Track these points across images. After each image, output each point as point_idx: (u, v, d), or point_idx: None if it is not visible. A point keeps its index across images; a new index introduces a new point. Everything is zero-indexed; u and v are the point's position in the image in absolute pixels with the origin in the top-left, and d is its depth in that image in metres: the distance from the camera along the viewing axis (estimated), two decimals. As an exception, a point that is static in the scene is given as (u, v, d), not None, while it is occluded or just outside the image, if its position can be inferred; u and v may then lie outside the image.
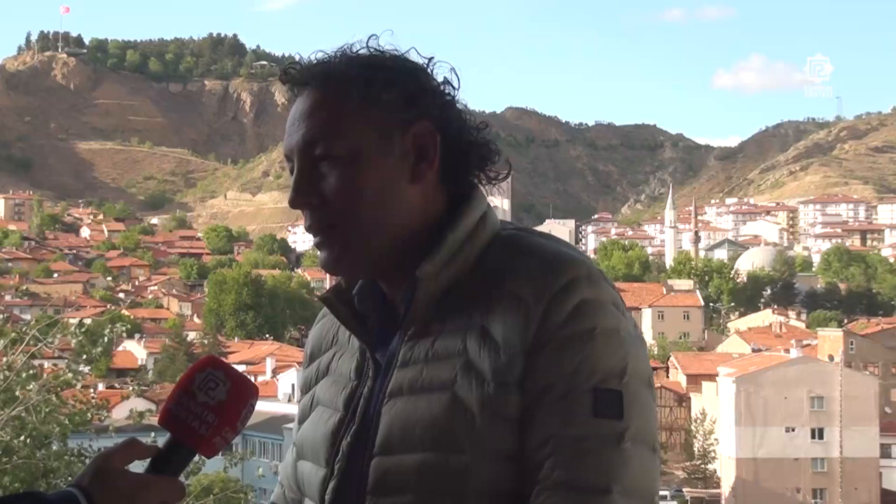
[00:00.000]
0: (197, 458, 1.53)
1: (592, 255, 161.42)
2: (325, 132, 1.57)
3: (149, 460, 1.46)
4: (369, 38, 1.62)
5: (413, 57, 1.62)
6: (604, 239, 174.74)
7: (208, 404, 1.44)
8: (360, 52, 1.61)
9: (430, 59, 1.62)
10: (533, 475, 1.47)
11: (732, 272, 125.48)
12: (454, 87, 1.63)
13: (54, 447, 8.16)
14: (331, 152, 1.57)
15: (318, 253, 1.62)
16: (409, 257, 1.58)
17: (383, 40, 1.62)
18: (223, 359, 1.54)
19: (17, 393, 8.18)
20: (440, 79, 1.62)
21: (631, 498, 1.46)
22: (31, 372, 8.47)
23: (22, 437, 7.83)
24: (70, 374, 8.80)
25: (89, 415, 9.05)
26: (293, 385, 56.85)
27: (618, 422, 1.47)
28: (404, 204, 1.58)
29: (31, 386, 8.36)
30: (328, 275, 1.66)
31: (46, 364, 10.22)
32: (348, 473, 1.58)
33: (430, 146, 1.58)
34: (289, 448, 1.81)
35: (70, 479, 8.04)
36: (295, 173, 1.59)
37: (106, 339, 9.97)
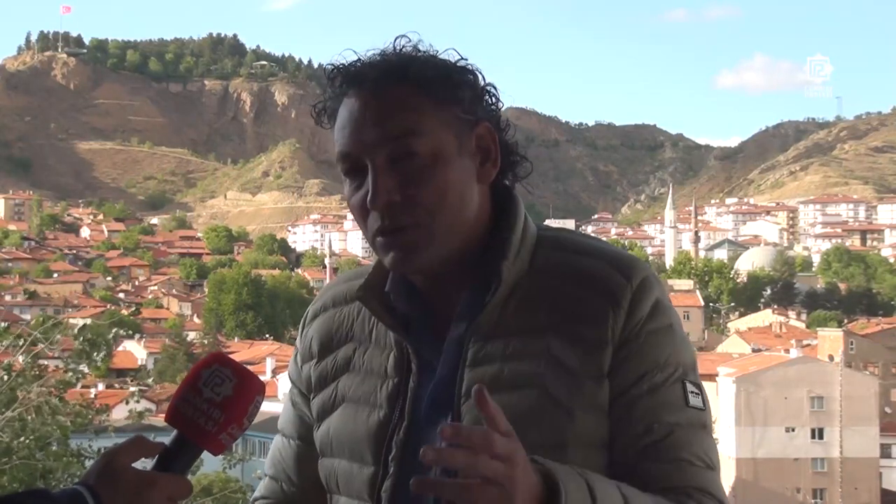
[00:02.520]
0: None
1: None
2: (408, 130, 1.56)
3: (155, 458, 1.46)
4: (397, 38, 1.63)
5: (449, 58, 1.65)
6: (604, 239, 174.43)
7: (214, 401, 1.43)
8: (416, 51, 1.62)
9: (466, 60, 1.64)
10: (639, 458, 1.56)
11: (732, 272, 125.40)
12: (496, 90, 1.65)
13: (54, 448, 8.15)
14: (413, 150, 1.56)
15: (388, 253, 1.59)
16: (461, 255, 1.62)
17: (427, 43, 1.64)
18: (228, 355, 1.51)
19: (17, 394, 8.17)
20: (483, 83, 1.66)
21: (720, 479, 1.61)
22: (34, 373, 8.47)
23: (22, 438, 7.82)
24: (69, 374, 8.79)
25: (89, 416, 9.04)
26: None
27: (703, 412, 1.61)
28: (474, 204, 1.61)
29: (33, 387, 8.35)
30: (397, 273, 1.66)
31: (45, 364, 10.21)
32: (407, 471, 1.57)
33: (493, 147, 1.62)
34: (278, 444, 1.81)
35: (69, 479, 8.05)
36: (373, 172, 1.57)
37: (109, 341, 9.97)
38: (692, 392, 1.60)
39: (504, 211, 1.64)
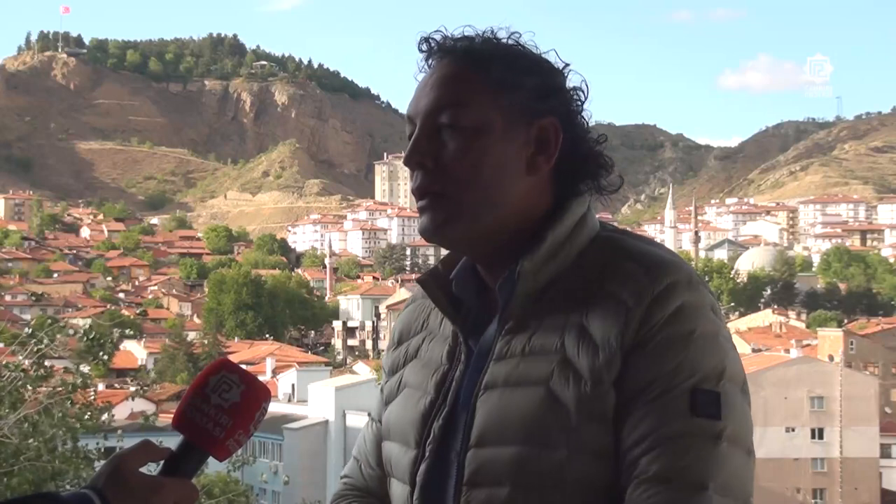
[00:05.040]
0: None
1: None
2: (457, 102, 1.61)
3: (161, 462, 1.47)
4: (511, 33, 1.68)
5: (552, 59, 1.68)
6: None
7: (222, 407, 1.44)
8: (502, 38, 1.67)
9: (567, 65, 1.68)
10: (630, 470, 1.49)
11: (732, 272, 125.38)
12: (584, 96, 1.68)
13: (59, 450, 8.16)
14: (458, 122, 1.61)
15: (420, 217, 1.65)
16: (509, 246, 1.62)
17: (526, 39, 1.69)
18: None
19: (25, 396, 8.19)
20: (572, 85, 1.69)
21: (726, 496, 1.48)
22: (41, 373, 8.48)
23: (30, 440, 7.83)
24: (77, 377, 8.81)
25: (87, 415, 9.06)
26: (293, 385, 56.88)
27: (716, 422, 1.49)
28: (515, 191, 1.62)
29: (41, 388, 8.37)
30: (425, 241, 1.69)
31: (51, 365, 10.26)
32: (441, 457, 1.62)
33: (552, 142, 1.62)
34: (365, 427, 1.87)
35: (79, 481, 8.08)
36: (416, 133, 1.63)
37: (113, 340, 10.01)
38: (706, 400, 1.50)
39: (561, 209, 1.64)
